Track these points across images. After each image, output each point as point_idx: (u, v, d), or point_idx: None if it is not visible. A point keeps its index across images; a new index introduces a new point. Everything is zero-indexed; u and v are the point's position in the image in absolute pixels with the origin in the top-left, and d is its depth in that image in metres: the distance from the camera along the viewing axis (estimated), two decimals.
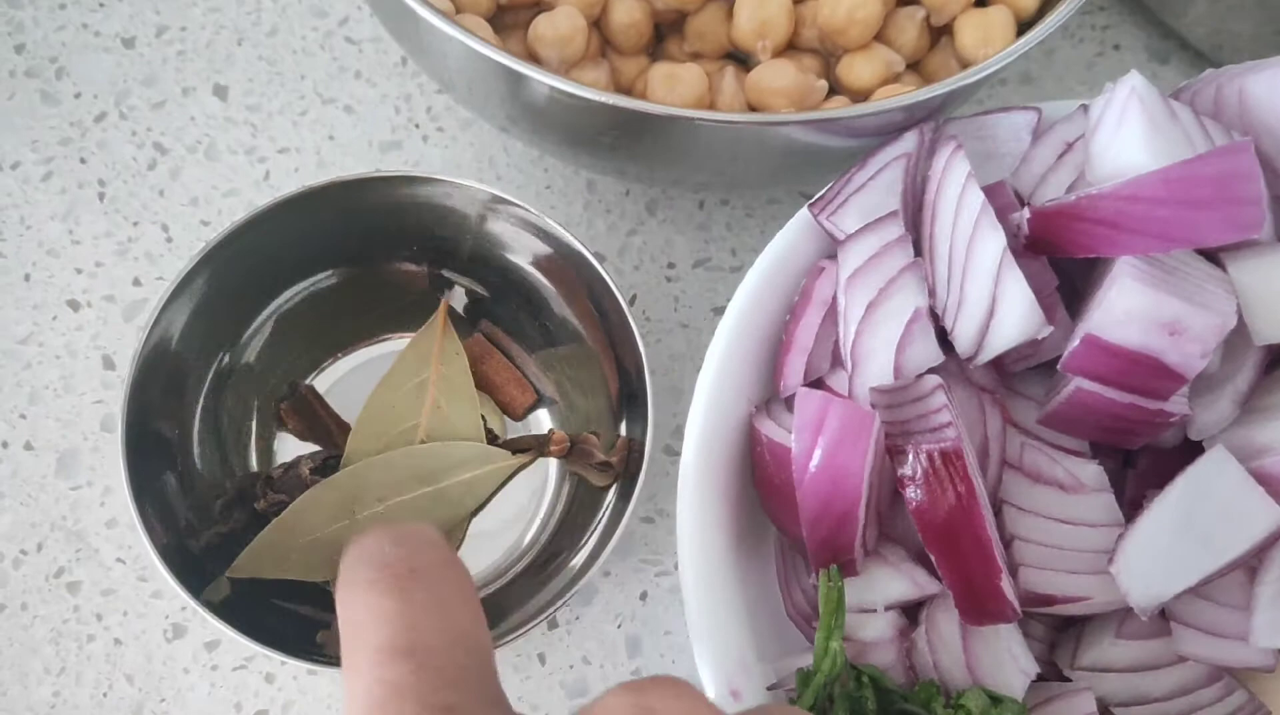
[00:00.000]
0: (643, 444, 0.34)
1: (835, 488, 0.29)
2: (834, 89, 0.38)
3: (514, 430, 0.39)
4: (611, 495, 0.36)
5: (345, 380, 0.39)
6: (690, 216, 0.44)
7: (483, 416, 0.38)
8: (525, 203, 0.36)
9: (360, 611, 0.20)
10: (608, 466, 0.36)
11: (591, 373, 0.38)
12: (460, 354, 0.38)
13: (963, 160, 0.31)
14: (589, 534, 0.36)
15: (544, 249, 0.37)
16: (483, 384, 0.39)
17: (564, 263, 0.37)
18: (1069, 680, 0.32)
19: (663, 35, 0.40)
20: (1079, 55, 0.48)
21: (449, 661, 0.19)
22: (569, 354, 0.39)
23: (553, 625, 0.39)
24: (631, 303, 0.43)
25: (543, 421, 0.39)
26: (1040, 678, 0.31)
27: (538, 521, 0.38)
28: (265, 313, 0.38)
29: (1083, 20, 0.49)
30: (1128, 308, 0.28)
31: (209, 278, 0.36)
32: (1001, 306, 0.30)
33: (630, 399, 0.36)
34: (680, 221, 0.44)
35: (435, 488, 0.36)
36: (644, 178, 0.40)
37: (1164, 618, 0.31)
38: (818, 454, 0.29)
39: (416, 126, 0.45)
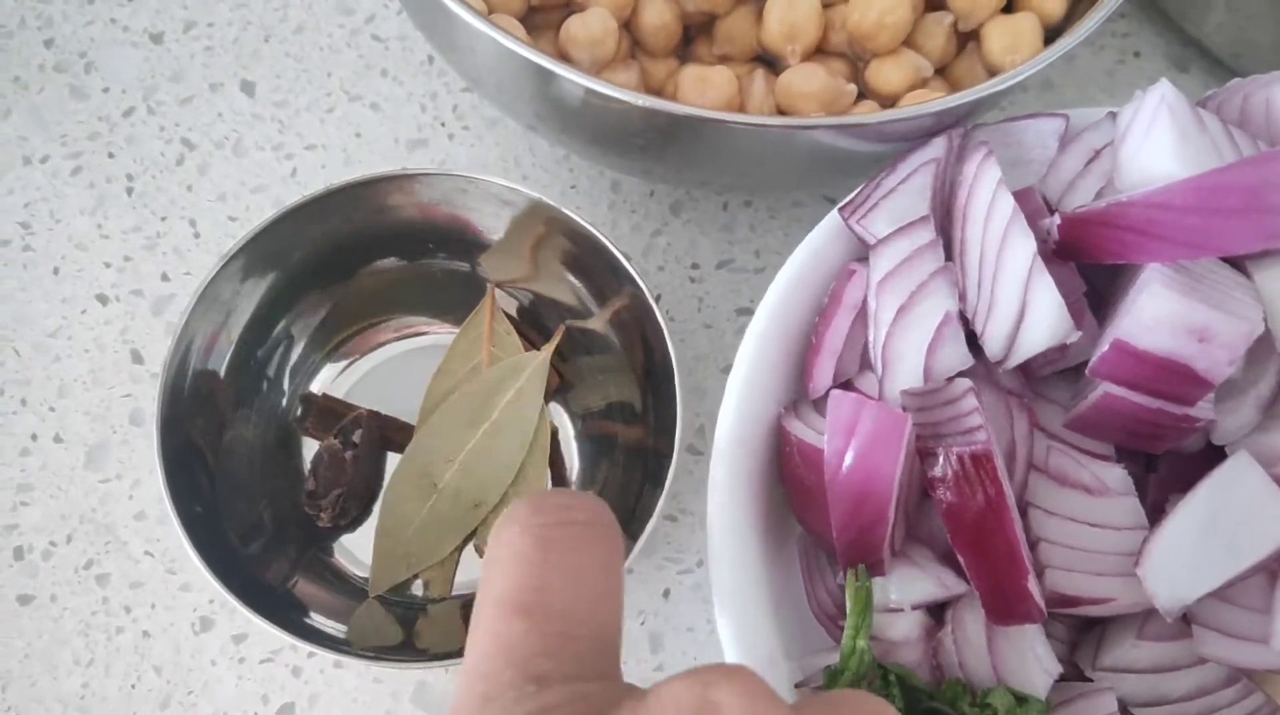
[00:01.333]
0: (671, 443, 0.35)
1: (867, 489, 0.29)
2: (862, 93, 0.38)
3: None
4: (639, 494, 0.36)
5: (373, 374, 0.40)
6: (714, 218, 0.44)
7: None
8: (552, 201, 0.36)
9: (501, 550, 0.20)
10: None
11: (617, 363, 0.39)
12: (511, 334, 0.39)
13: (994, 166, 0.31)
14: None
15: (570, 247, 0.38)
16: None
17: (591, 261, 0.37)
18: (1090, 680, 0.32)
19: (691, 37, 0.40)
20: (1099, 62, 0.48)
21: (563, 629, 0.19)
22: (594, 348, 0.39)
23: None
24: (656, 303, 0.43)
25: (559, 410, 0.40)
26: (1062, 678, 0.31)
27: None
28: (292, 311, 0.39)
29: (1103, 27, 0.49)
30: (1157, 314, 0.28)
31: (239, 275, 0.36)
32: (1031, 311, 0.30)
33: (656, 396, 0.37)
34: (704, 223, 0.44)
35: (490, 422, 0.36)
36: (670, 179, 0.40)
37: (1184, 620, 0.31)
38: (850, 456, 0.29)
39: (442, 125, 0.45)
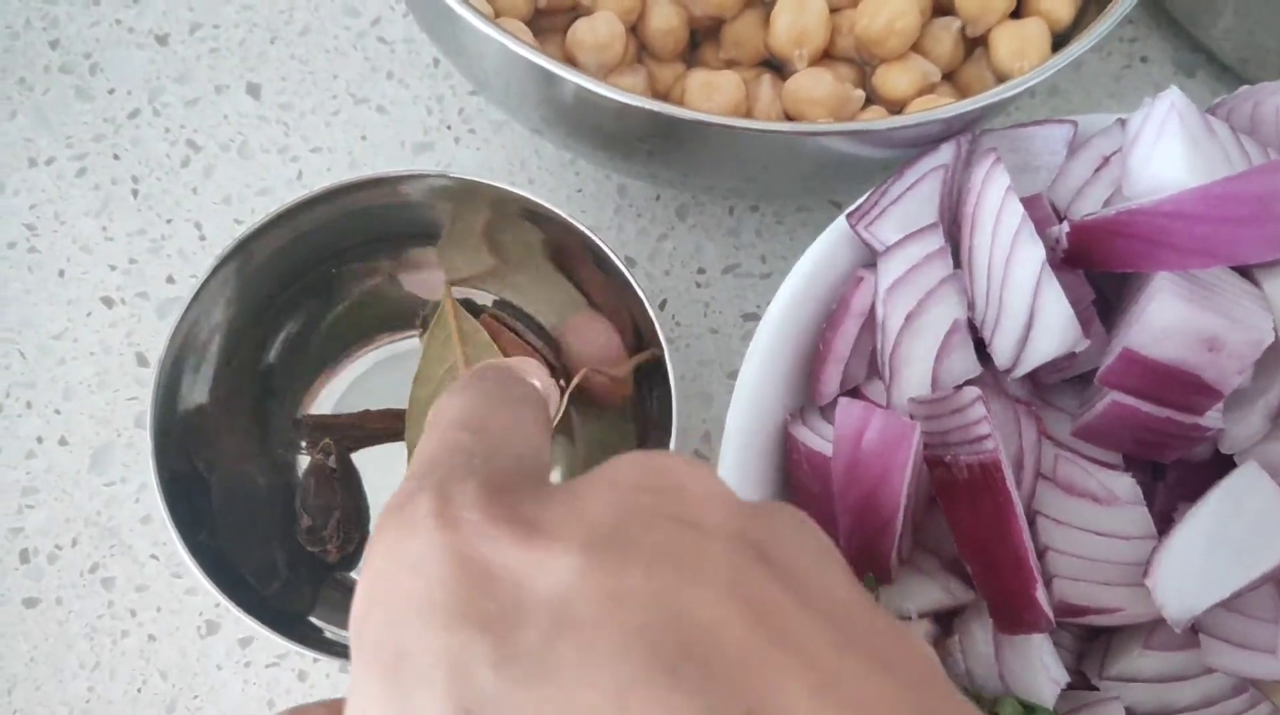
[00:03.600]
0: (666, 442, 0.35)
1: (874, 498, 0.29)
2: (869, 98, 0.38)
3: None
4: None
5: (369, 376, 0.40)
6: (720, 222, 0.44)
7: None
8: (556, 207, 0.36)
9: (443, 409, 0.22)
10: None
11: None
12: (479, 331, 0.39)
13: (1002, 173, 0.31)
14: None
15: (574, 251, 0.37)
16: None
17: (592, 265, 0.37)
18: (1096, 689, 0.32)
19: (698, 42, 0.40)
20: (1107, 68, 0.48)
21: (502, 445, 0.21)
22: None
23: None
24: (661, 307, 0.43)
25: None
26: (1069, 687, 0.31)
27: None
28: (292, 312, 0.39)
29: (1110, 32, 0.49)
30: (1166, 323, 0.28)
31: (238, 275, 0.36)
32: (1040, 319, 0.30)
33: (654, 400, 0.37)
34: (710, 227, 0.44)
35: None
36: (676, 183, 0.40)
37: (1192, 630, 0.31)
38: (857, 464, 0.29)
39: (449, 128, 0.45)
